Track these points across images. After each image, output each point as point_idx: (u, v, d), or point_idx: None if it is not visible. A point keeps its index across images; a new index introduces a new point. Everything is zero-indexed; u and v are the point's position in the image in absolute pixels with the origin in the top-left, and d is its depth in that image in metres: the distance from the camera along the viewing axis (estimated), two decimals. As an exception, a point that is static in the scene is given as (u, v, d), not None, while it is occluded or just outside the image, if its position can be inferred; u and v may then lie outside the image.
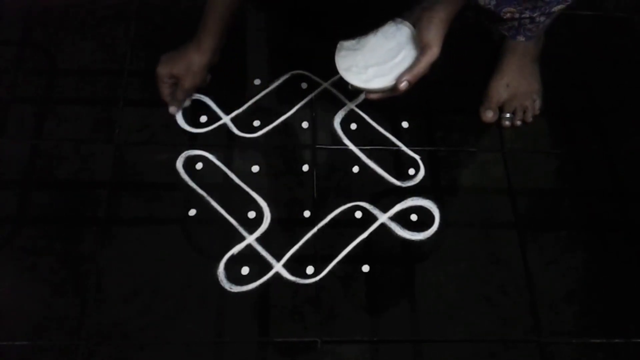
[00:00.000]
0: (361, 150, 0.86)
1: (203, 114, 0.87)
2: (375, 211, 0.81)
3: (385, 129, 0.88)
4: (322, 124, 0.88)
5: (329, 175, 0.84)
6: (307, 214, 0.80)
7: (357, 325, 0.74)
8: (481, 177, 0.86)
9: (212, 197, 0.80)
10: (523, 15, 0.78)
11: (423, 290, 0.76)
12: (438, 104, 0.91)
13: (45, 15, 0.94)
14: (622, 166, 0.88)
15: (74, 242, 0.76)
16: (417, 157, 0.86)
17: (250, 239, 0.78)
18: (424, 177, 0.84)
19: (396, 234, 0.80)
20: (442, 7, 0.70)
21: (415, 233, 0.80)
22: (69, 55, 0.90)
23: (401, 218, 0.81)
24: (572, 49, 0.98)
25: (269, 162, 0.84)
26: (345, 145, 0.86)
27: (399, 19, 0.74)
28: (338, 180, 0.83)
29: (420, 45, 0.71)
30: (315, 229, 0.79)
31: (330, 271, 0.77)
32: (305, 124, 0.87)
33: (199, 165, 0.83)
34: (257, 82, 0.90)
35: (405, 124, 0.88)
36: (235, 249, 0.77)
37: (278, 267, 0.76)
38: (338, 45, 0.76)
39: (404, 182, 0.84)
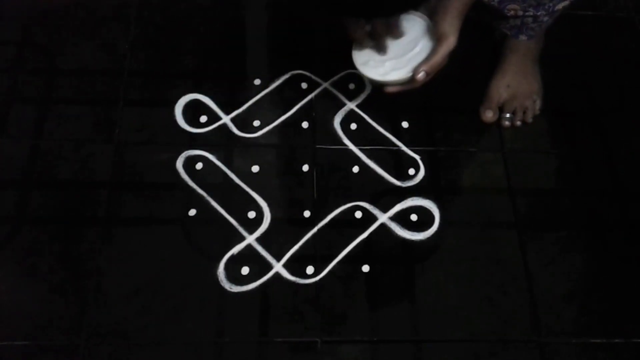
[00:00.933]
0: (361, 150, 0.86)
1: (203, 114, 0.87)
2: (375, 211, 0.81)
3: (385, 129, 0.88)
4: (322, 124, 0.88)
5: (329, 175, 0.84)
6: (307, 214, 0.80)
7: (357, 325, 0.74)
8: (481, 177, 0.86)
9: (212, 197, 0.80)
10: (527, 13, 0.78)
11: (423, 290, 0.76)
12: (438, 104, 0.91)
13: (45, 15, 0.94)
14: (622, 166, 0.88)
15: (74, 242, 0.76)
16: (417, 157, 0.86)
17: (250, 239, 0.78)
18: (424, 177, 0.84)
19: (396, 234, 0.80)
20: None
21: (415, 233, 0.80)
22: (69, 55, 0.90)
23: (401, 218, 0.81)
24: (572, 49, 0.98)
25: (269, 162, 0.84)
26: (345, 145, 0.86)
27: (414, 12, 0.74)
28: (338, 180, 0.83)
29: (435, 36, 0.71)
30: (315, 229, 0.79)
31: (330, 271, 0.77)
32: (305, 124, 0.87)
33: (199, 165, 0.83)
34: (257, 82, 0.90)
35: (405, 124, 0.88)
36: (235, 249, 0.77)
37: (278, 267, 0.76)
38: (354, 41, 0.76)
39: (404, 182, 0.84)
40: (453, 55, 0.73)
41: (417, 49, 0.74)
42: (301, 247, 0.78)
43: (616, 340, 0.75)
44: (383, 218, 0.80)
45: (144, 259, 0.76)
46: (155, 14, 0.96)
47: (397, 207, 0.81)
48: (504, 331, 0.75)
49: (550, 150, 0.89)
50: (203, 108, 0.88)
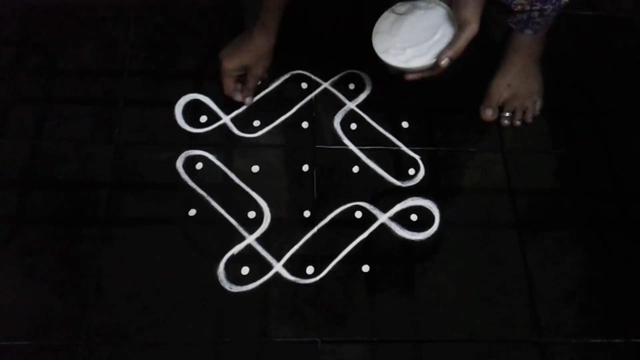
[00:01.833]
0: (361, 150, 0.86)
1: (203, 114, 0.87)
2: (375, 211, 0.81)
3: (385, 129, 0.88)
4: (322, 124, 0.88)
5: (329, 175, 0.84)
6: (307, 214, 0.80)
7: (357, 325, 0.74)
8: (481, 177, 0.86)
9: (212, 197, 0.80)
10: (534, 7, 0.78)
11: (423, 290, 0.76)
12: (438, 104, 0.91)
13: (45, 15, 0.94)
14: (622, 166, 0.88)
15: (74, 242, 0.76)
16: (417, 157, 0.86)
17: (250, 239, 0.78)
18: (424, 177, 0.84)
19: (396, 234, 0.80)
20: None
21: (415, 233, 0.80)
22: (69, 55, 0.90)
23: (401, 218, 0.81)
24: (572, 49, 0.98)
25: (269, 162, 0.84)
26: (345, 145, 0.86)
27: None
28: (338, 180, 0.83)
29: (457, 22, 0.72)
30: (315, 229, 0.79)
31: (330, 271, 0.77)
32: (305, 124, 0.87)
33: (199, 165, 0.83)
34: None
35: (405, 124, 0.88)
36: (235, 249, 0.77)
37: (278, 267, 0.76)
38: (374, 29, 0.77)
39: (404, 182, 0.84)
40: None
41: (438, 35, 0.74)
42: (301, 247, 0.78)
43: (616, 340, 0.75)
44: (383, 218, 0.80)
45: (144, 259, 0.76)
46: (155, 14, 0.96)
47: (397, 207, 0.81)
48: (504, 331, 0.75)
49: (550, 150, 0.89)
50: (203, 108, 0.88)
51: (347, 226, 0.80)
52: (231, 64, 0.84)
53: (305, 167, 0.84)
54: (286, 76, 0.91)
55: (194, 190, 0.81)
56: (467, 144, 0.88)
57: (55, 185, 0.80)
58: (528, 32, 0.84)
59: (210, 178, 0.82)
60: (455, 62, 0.73)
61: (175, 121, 0.86)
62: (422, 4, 0.77)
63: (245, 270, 0.76)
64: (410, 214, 0.81)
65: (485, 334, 0.74)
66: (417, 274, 0.77)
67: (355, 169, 0.84)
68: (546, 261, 0.79)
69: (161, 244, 0.77)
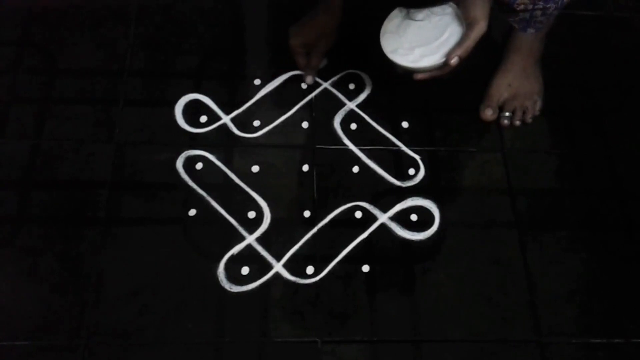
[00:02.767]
0: (361, 150, 0.86)
1: (203, 114, 0.87)
2: (375, 211, 0.81)
3: (385, 129, 0.88)
4: (322, 124, 0.88)
5: (329, 175, 0.84)
6: (307, 214, 0.80)
7: (357, 325, 0.74)
8: (481, 177, 0.86)
9: (212, 197, 0.80)
10: (536, 6, 0.78)
11: (423, 290, 0.76)
12: (438, 104, 0.91)
13: (45, 15, 0.94)
14: (622, 166, 0.88)
15: (74, 242, 0.76)
16: (417, 157, 0.86)
17: (250, 239, 0.78)
18: (424, 177, 0.84)
19: (396, 234, 0.80)
20: None
21: (415, 233, 0.80)
22: (69, 55, 0.90)
23: (401, 218, 0.81)
24: (572, 49, 0.98)
25: (269, 162, 0.84)
26: (345, 145, 0.86)
27: None
28: (338, 180, 0.83)
29: (466, 21, 0.72)
30: (315, 229, 0.79)
31: (330, 271, 0.77)
32: (305, 124, 0.87)
33: (199, 165, 0.83)
34: (257, 82, 0.90)
35: (405, 124, 0.88)
36: (235, 249, 0.77)
37: (278, 267, 0.76)
38: (382, 29, 0.77)
39: (404, 182, 0.84)
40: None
41: (446, 35, 0.74)
42: (301, 247, 0.78)
43: (616, 340, 0.75)
44: (383, 218, 0.80)
45: (144, 259, 0.76)
46: (155, 14, 0.96)
47: (397, 207, 0.81)
48: (504, 331, 0.75)
49: (550, 150, 0.89)
50: (203, 108, 0.88)
51: (347, 226, 0.80)
52: (296, 40, 0.87)
53: (305, 167, 0.84)
54: (286, 76, 0.91)
55: (194, 190, 0.81)
56: (467, 144, 0.88)
57: (55, 185, 0.80)
58: (530, 31, 0.84)
59: (210, 178, 0.82)
60: (463, 61, 0.73)
61: (175, 121, 0.86)
62: (438, 9, 0.77)
63: (245, 270, 0.76)
64: (410, 214, 0.81)
65: (485, 334, 0.74)
66: (417, 274, 0.77)
67: (355, 169, 0.84)
68: (546, 261, 0.79)
69: (161, 244, 0.77)
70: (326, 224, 0.80)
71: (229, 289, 0.74)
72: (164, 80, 0.89)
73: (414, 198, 0.82)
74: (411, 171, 0.85)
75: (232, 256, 0.77)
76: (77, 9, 0.95)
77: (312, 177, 0.83)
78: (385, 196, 0.82)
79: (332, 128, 0.87)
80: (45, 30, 0.92)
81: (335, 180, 0.83)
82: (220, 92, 0.89)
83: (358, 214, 0.81)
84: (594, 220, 0.83)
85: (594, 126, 0.91)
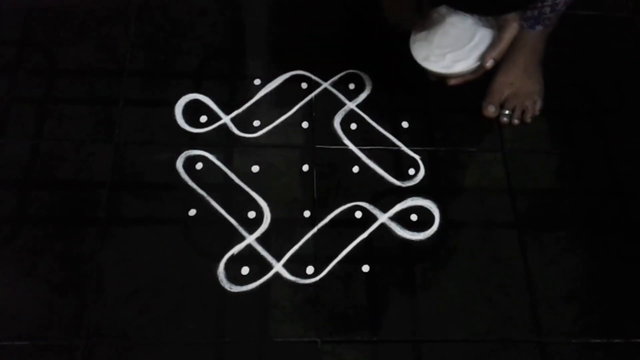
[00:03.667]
0: (361, 150, 0.86)
1: (203, 114, 0.87)
2: (375, 211, 0.81)
3: (385, 129, 0.88)
4: (322, 124, 0.88)
5: (329, 175, 0.84)
6: (307, 214, 0.80)
7: (357, 325, 0.74)
8: (481, 177, 0.86)
9: (212, 197, 0.80)
10: (545, 3, 0.78)
11: (423, 290, 0.76)
12: (438, 104, 0.91)
13: (45, 15, 0.94)
14: (622, 166, 0.88)
15: (74, 242, 0.76)
16: (417, 157, 0.86)
17: (250, 239, 0.78)
18: (424, 177, 0.84)
19: (396, 234, 0.80)
20: None
21: (415, 233, 0.80)
22: (69, 55, 0.90)
23: (401, 218, 0.81)
24: (572, 49, 0.98)
25: (269, 162, 0.84)
26: (345, 145, 0.86)
27: None
28: (338, 180, 0.83)
29: (497, 23, 0.72)
30: (315, 229, 0.79)
31: (330, 271, 0.77)
32: (305, 124, 0.87)
33: (199, 165, 0.83)
34: (257, 82, 0.90)
35: (405, 124, 0.88)
36: (235, 249, 0.77)
37: (278, 267, 0.76)
38: (411, 38, 0.77)
39: (404, 182, 0.84)
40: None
41: (477, 38, 0.75)
42: (301, 247, 0.78)
43: (616, 340, 0.75)
44: (383, 218, 0.80)
45: (144, 259, 0.76)
46: (155, 14, 0.96)
47: (397, 207, 0.81)
48: (504, 331, 0.75)
49: (550, 150, 0.89)
50: (203, 108, 0.88)
51: (347, 226, 0.80)
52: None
53: (305, 167, 0.84)
54: (286, 76, 0.91)
55: (194, 190, 0.81)
56: (467, 144, 0.88)
57: (55, 185, 0.80)
58: (539, 28, 0.84)
59: (210, 178, 0.82)
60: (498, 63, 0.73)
61: (175, 121, 0.86)
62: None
63: (245, 270, 0.76)
64: (410, 214, 0.81)
65: (485, 334, 0.74)
66: (417, 274, 0.77)
67: (355, 169, 0.84)
68: (546, 261, 0.79)
69: (161, 244, 0.77)
70: (326, 224, 0.80)
71: (229, 289, 0.74)
72: (164, 80, 0.89)
73: (414, 198, 0.82)
74: (411, 171, 0.85)
75: (232, 256, 0.77)
76: (77, 9, 0.95)
77: (312, 177, 0.83)
78: (385, 196, 0.82)
79: (332, 128, 0.87)
80: (45, 30, 0.92)
81: (335, 180, 0.83)
82: (220, 92, 0.89)
83: (358, 214, 0.81)
84: (594, 220, 0.83)
85: (594, 126, 0.91)
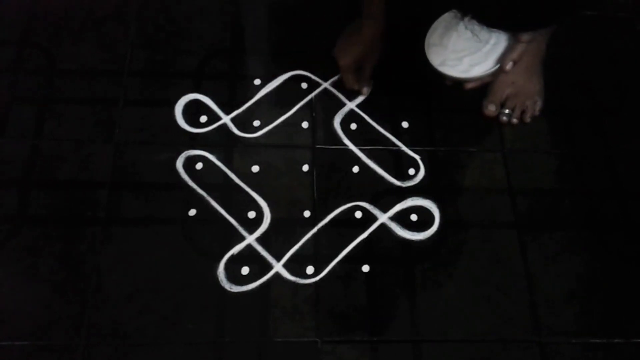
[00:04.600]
0: (361, 150, 0.86)
1: (203, 114, 0.87)
2: (375, 211, 0.81)
3: (385, 129, 0.88)
4: (322, 124, 0.88)
5: (329, 175, 0.84)
6: (307, 214, 0.80)
7: (357, 325, 0.74)
8: (481, 177, 0.86)
9: (212, 197, 0.80)
10: None
11: (423, 290, 0.76)
12: (438, 104, 0.91)
13: (45, 15, 0.94)
14: (622, 166, 0.88)
15: (74, 242, 0.76)
16: (417, 157, 0.86)
17: (250, 239, 0.78)
18: (424, 177, 0.84)
19: (396, 234, 0.80)
20: None
21: (415, 233, 0.80)
22: (69, 55, 0.90)
23: (401, 218, 0.81)
24: (572, 49, 0.98)
25: (269, 162, 0.84)
26: (345, 145, 0.86)
27: None
28: (338, 180, 0.83)
29: None
30: (315, 229, 0.79)
31: (330, 271, 0.77)
32: (305, 124, 0.87)
33: (199, 165, 0.83)
34: (257, 82, 0.90)
35: (405, 124, 0.88)
36: (235, 249, 0.77)
37: (278, 267, 0.76)
38: (425, 42, 0.77)
39: (404, 182, 0.84)
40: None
41: (493, 40, 0.74)
42: (301, 247, 0.78)
43: (616, 340, 0.75)
44: (383, 218, 0.80)
45: (144, 259, 0.76)
46: (155, 14, 0.95)
47: (397, 207, 0.81)
48: (504, 331, 0.75)
49: (550, 150, 0.89)
50: (203, 108, 0.88)
51: (347, 226, 0.80)
52: (347, 60, 0.85)
53: (305, 167, 0.84)
54: (286, 76, 0.91)
55: (194, 190, 0.81)
56: (467, 144, 0.88)
57: (55, 185, 0.80)
58: (545, 29, 0.84)
59: (210, 178, 0.82)
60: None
61: (175, 121, 0.86)
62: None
63: (245, 270, 0.76)
64: (410, 214, 0.81)
65: (485, 334, 0.74)
66: (417, 274, 0.77)
67: (355, 169, 0.84)
68: (546, 261, 0.79)
69: (161, 244, 0.77)
70: (326, 224, 0.80)
71: (229, 289, 0.74)
72: (164, 80, 0.89)
73: (414, 198, 0.82)
74: (411, 171, 0.85)
75: (232, 256, 0.77)
76: (77, 9, 0.95)
77: (312, 177, 0.83)
78: (385, 196, 0.82)
79: (332, 128, 0.87)
80: (45, 30, 0.92)
81: (335, 180, 0.83)
82: (220, 92, 0.89)
83: (358, 214, 0.81)
84: (594, 220, 0.83)
85: (594, 126, 0.91)
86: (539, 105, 0.90)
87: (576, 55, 0.97)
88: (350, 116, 0.88)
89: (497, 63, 0.75)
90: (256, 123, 0.87)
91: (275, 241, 0.78)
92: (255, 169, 0.83)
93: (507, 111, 0.89)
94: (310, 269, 0.76)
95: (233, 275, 0.75)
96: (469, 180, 0.86)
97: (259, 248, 0.78)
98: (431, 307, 0.75)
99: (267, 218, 0.80)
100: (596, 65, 0.97)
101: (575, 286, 0.78)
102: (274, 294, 0.75)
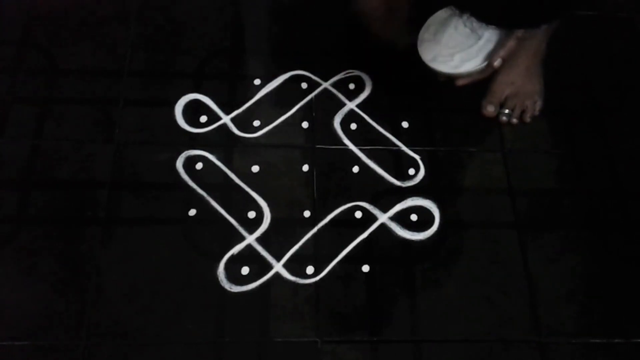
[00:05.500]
0: (361, 150, 0.86)
1: (203, 114, 0.87)
2: (375, 211, 0.81)
3: (385, 129, 0.88)
4: (322, 124, 0.88)
5: (329, 175, 0.84)
6: (307, 214, 0.80)
7: (357, 325, 0.74)
8: (481, 177, 0.86)
9: (212, 197, 0.80)
10: None
11: (423, 290, 0.76)
12: (438, 104, 0.91)
13: (45, 15, 0.94)
14: (622, 166, 0.88)
15: (74, 242, 0.76)
16: (417, 157, 0.86)
17: (250, 239, 0.78)
18: (424, 177, 0.84)
19: (396, 234, 0.80)
20: None
21: (415, 233, 0.80)
22: (69, 55, 0.90)
23: (401, 218, 0.81)
24: (572, 49, 0.98)
25: (269, 162, 0.84)
26: (345, 145, 0.86)
27: None
28: (338, 180, 0.83)
29: None
30: (315, 229, 0.79)
31: (330, 271, 0.77)
32: (305, 124, 0.87)
33: (199, 165, 0.83)
34: (257, 82, 0.90)
35: (405, 124, 0.88)
36: (235, 249, 0.77)
37: (278, 267, 0.76)
38: (418, 38, 0.77)
39: (404, 182, 0.84)
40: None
41: (484, 38, 0.75)
42: (301, 247, 0.78)
43: (616, 340, 0.75)
44: (383, 218, 0.80)
45: (144, 259, 0.76)
46: (155, 14, 0.95)
47: (397, 207, 0.81)
48: (504, 331, 0.75)
49: (550, 150, 0.89)
50: (203, 108, 0.88)
51: (347, 226, 0.80)
52: (374, 1, 0.78)
53: (305, 167, 0.84)
54: (286, 76, 0.91)
55: (194, 190, 0.81)
56: (467, 144, 0.88)
57: (55, 185, 0.80)
58: (543, 25, 0.84)
59: (210, 178, 0.82)
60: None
61: (175, 121, 0.86)
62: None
63: (245, 270, 0.76)
64: (410, 214, 0.81)
65: (485, 334, 0.74)
66: (417, 274, 0.77)
67: (355, 169, 0.84)
68: (546, 261, 0.79)
69: (161, 244, 0.77)
70: (326, 224, 0.80)
71: (229, 289, 0.74)
72: (164, 80, 0.89)
73: (414, 198, 0.82)
74: (411, 171, 0.85)
75: (232, 256, 0.77)
76: (77, 9, 0.94)
77: (312, 177, 0.83)
78: (385, 196, 0.82)
79: (332, 128, 0.87)
80: (45, 30, 0.92)
81: (335, 180, 0.83)
82: (220, 92, 0.89)
83: (358, 214, 0.81)
84: (594, 220, 0.83)
85: (594, 126, 0.91)
86: (539, 105, 0.90)
87: (576, 55, 0.97)
88: (350, 116, 0.88)
89: (487, 60, 0.75)
90: (256, 123, 0.87)
91: (275, 241, 0.78)
92: (255, 169, 0.83)
93: (506, 111, 0.89)
94: (310, 269, 0.76)
95: (233, 275, 0.75)
96: (469, 180, 0.86)
97: (259, 248, 0.78)
98: (431, 307, 0.75)
99: (267, 218, 0.80)
100: (596, 65, 0.97)
101: (575, 286, 0.78)
102: (274, 294, 0.75)
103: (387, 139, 0.87)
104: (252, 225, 0.79)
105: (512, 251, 0.80)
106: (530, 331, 0.75)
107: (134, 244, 0.77)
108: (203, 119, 0.87)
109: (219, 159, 0.84)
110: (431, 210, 0.82)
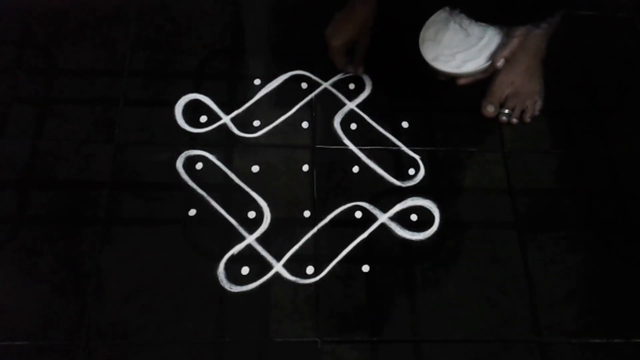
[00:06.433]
0: (361, 150, 0.86)
1: (203, 114, 0.87)
2: (375, 211, 0.81)
3: (385, 129, 0.88)
4: (322, 124, 0.88)
5: (329, 175, 0.84)
6: (307, 214, 0.80)
7: (357, 325, 0.74)
8: (481, 177, 0.86)
9: (212, 197, 0.80)
10: None
11: (423, 290, 0.76)
12: (438, 104, 0.91)
13: (45, 15, 0.94)
14: (622, 166, 0.88)
15: (74, 242, 0.76)
16: (417, 157, 0.86)
17: (250, 239, 0.78)
18: (424, 177, 0.84)
19: (396, 234, 0.80)
20: None
21: (415, 233, 0.80)
22: (69, 55, 0.90)
23: (401, 218, 0.81)
24: (572, 49, 0.98)
25: (269, 162, 0.84)
26: (345, 145, 0.86)
27: None
28: (338, 180, 0.83)
29: None
30: (315, 229, 0.79)
31: (330, 271, 0.77)
32: (305, 124, 0.87)
33: (199, 165, 0.83)
34: (257, 82, 0.90)
35: (405, 124, 0.88)
36: (235, 249, 0.77)
37: (278, 267, 0.76)
38: (420, 37, 0.77)
39: (404, 182, 0.84)
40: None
41: (487, 38, 0.75)
42: (301, 247, 0.78)
43: (616, 340, 0.75)
44: (383, 218, 0.80)
45: (144, 259, 0.76)
46: (155, 14, 0.95)
47: (397, 207, 0.81)
48: (504, 331, 0.75)
49: (550, 150, 0.89)
50: (203, 108, 0.88)
51: (347, 226, 0.80)
52: (339, 41, 0.84)
53: (305, 167, 0.84)
54: (286, 76, 0.91)
55: (194, 190, 0.81)
56: (467, 144, 0.88)
57: (55, 185, 0.80)
58: (544, 25, 0.84)
59: (210, 178, 0.82)
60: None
61: (175, 121, 0.86)
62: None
63: (245, 270, 0.76)
64: (410, 214, 0.81)
65: (485, 334, 0.74)
66: (417, 274, 0.77)
67: (355, 169, 0.84)
68: (546, 261, 0.79)
69: (161, 244, 0.77)
70: (326, 224, 0.80)
71: (229, 289, 0.74)
72: (164, 80, 0.89)
73: (414, 198, 0.82)
74: (411, 171, 0.85)
75: (232, 256, 0.77)
76: (77, 9, 0.94)
77: (312, 177, 0.83)
78: (385, 196, 0.82)
79: (332, 128, 0.87)
80: (45, 30, 0.92)
81: (335, 180, 0.83)
82: (220, 92, 0.89)
83: (358, 214, 0.81)
84: (594, 220, 0.83)
85: (594, 126, 0.91)
86: (539, 105, 0.90)
87: (576, 55, 0.97)
88: (350, 116, 0.88)
89: (489, 60, 0.76)
90: (256, 123, 0.87)
91: (275, 241, 0.78)
92: (255, 168, 0.83)
93: (506, 111, 0.89)
94: (310, 269, 0.76)
95: (233, 275, 0.75)
96: (469, 180, 0.86)
97: (259, 248, 0.78)
98: (431, 307, 0.75)
99: (267, 218, 0.80)
100: (596, 65, 0.97)
101: (575, 286, 0.78)
102: (274, 294, 0.75)
103: (387, 139, 0.87)
104: (252, 225, 0.79)
105: (512, 251, 0.80)
106: (530, 331, 0.75)
107: (134, 244, 0.77)
108: (203, 119, 0.87)
109: (219, 159, 0.84)
110: (431, 210, 0.82)
